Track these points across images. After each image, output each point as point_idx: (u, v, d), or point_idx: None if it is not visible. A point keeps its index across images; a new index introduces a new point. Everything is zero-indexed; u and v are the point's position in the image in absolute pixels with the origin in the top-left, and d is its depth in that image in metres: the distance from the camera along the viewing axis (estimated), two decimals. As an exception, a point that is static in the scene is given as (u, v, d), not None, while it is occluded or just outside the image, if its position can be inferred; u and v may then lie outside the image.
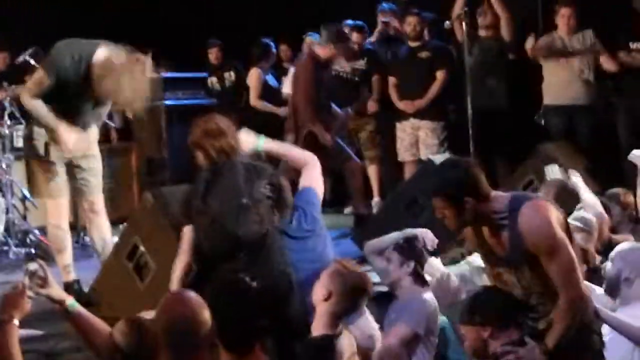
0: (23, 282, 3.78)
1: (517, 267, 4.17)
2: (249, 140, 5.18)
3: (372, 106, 9.26)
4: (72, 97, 5.98)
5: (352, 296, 4.23)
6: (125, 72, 5.76)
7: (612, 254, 4.94)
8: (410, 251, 5.13)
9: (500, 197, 4.19)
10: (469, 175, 4.18)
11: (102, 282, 5.86)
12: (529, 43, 8.96)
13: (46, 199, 6.26)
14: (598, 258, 5.60)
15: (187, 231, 4.79)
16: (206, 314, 3.40)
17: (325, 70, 8.24)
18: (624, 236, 6.36)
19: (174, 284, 4.69)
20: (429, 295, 5.06)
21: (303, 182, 5.26)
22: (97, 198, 6.31)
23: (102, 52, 5.84)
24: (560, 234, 4.10)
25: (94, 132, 6.35)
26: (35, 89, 5.94)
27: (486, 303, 4.24)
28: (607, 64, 8.73)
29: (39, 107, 5.92)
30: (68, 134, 5.97)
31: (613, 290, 4.87)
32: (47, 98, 5.90)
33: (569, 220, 5.56)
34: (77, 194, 6.31)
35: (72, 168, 6.20)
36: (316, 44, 8.28)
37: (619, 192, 6.86)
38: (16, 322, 3.66)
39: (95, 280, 5.93)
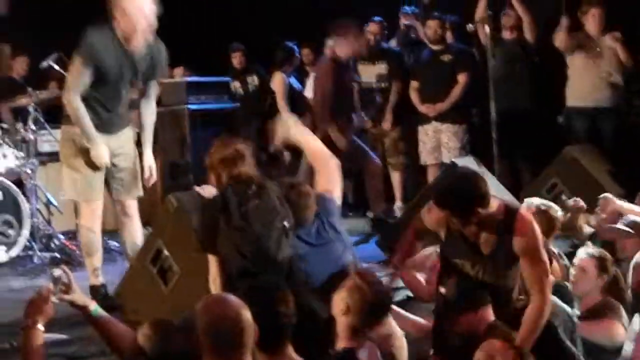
0: (47, 288, 3.79)
1: (495, 264, 4.50)
2: (287, 124, 5.18)
3: (386, 125, 9.23)
4: (110, 80, 5.97)
5: (370, 312, 4.18)
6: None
7: None
8: None
9: (495, 202, 4.48)
10: (479, 189, 4.41)
11: (126, 287, 5.86)
12: (558, 39, 8.86)
13: (81, 202, 6.24)
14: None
15: (213, 258, 4.75)
16: (248, 314, 3.38)
17: (346, 72, 8.23)
18: None
19: None
20: None
21: (321, 186, 5.27)
22: (130, 201, 6.26)
23: None
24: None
25: (129, 131, 6.32)
26: (77, 81, 5.89)
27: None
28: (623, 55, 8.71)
29: (81, 112, 5.88)
30: (103, 147, 5.97)
31: None
32: (88, 89, 5.92)
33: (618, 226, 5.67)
34: (111, 195, 6.28)
35: (109, 168, 6.15)
36: (335, 46, 8.24)
37: None
38: (40, 327, 3.68)
39: (120, 284, 5.93)
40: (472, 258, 4.53)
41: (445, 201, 4.47)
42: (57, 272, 3.93)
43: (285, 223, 4.70)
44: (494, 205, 4.46)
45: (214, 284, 4.71)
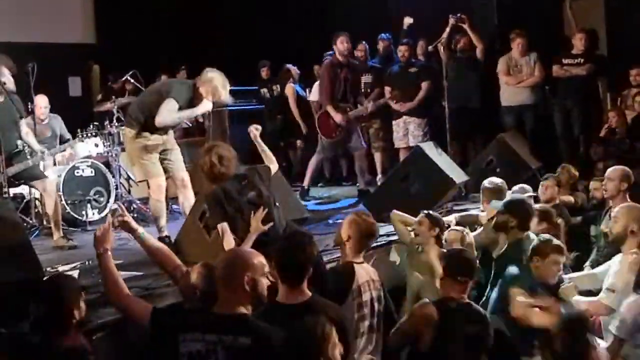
0: (108, 221, 3.77)
1: None
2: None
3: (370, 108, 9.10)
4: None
5: (365, 238, 4.30)
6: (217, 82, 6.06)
7: (614, 212, 4.73)
8: (437, 220, 5.06)
9: None
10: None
11: (183, 237, 5.86)
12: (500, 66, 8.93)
13: (150, 179, 6.28)
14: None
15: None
16: (260, 259, 3.33)
17: (341, 69, 8.22)
18: (568, 197, 6.36)
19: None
20: None
21: None
22: (186, 176, 6.35)
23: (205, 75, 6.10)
24: None
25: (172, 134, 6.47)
26: (172, 113, 6.03)
27: None
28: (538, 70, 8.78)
29: (176, 115, 6.04)
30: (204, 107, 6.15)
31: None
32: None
33: None
34: (168, 174, 6.35)
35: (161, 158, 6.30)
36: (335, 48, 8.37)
37: (567, 165, 6.95)
38: (109, 253, 3.65)
39: (178, 235, 5.93)
40: None
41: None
42: (114, 206, 3.92)
43: (277, 203, 4.77)
44: None
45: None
